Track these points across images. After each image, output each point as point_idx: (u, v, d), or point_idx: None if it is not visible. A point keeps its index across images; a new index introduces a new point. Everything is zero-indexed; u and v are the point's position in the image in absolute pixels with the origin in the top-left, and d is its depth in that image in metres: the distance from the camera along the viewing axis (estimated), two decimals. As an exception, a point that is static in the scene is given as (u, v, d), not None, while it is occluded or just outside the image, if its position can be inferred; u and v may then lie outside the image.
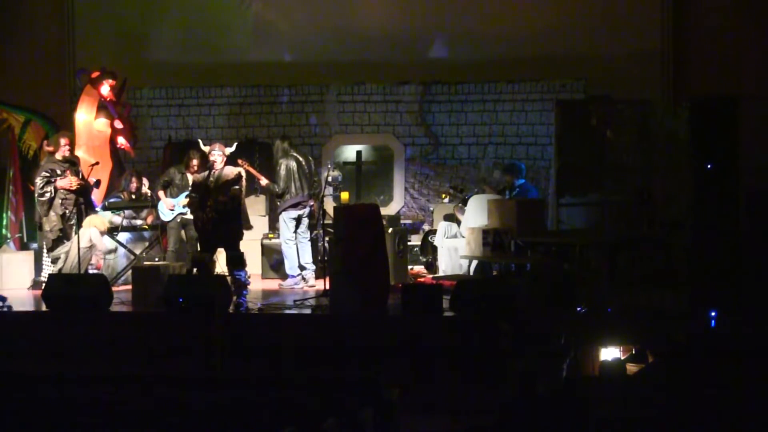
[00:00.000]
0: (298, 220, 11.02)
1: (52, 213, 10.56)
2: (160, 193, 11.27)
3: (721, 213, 9.45)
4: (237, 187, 9.60)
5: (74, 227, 10.50)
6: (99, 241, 10.87)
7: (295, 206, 10.97)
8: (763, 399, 6.84)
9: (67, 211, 10.57)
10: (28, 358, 8.84)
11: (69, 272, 10.19)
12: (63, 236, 10.59)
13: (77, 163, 10.91)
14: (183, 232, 11.25)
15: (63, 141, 10.67)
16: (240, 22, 14.02)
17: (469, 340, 8.40)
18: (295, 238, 11.03)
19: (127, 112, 12.81)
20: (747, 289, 9.11)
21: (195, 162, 11.03)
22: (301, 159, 11.16)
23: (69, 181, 10.51)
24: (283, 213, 11.00)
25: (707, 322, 8.67)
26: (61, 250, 10.51)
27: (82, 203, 10.71)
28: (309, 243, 11.15)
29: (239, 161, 10.67)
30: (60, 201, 10.54)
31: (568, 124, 11.11)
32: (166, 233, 11.32)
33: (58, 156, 10.66)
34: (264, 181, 11.19)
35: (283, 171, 10.94)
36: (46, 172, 10.61)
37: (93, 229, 10.74)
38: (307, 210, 11.06)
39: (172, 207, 11.15)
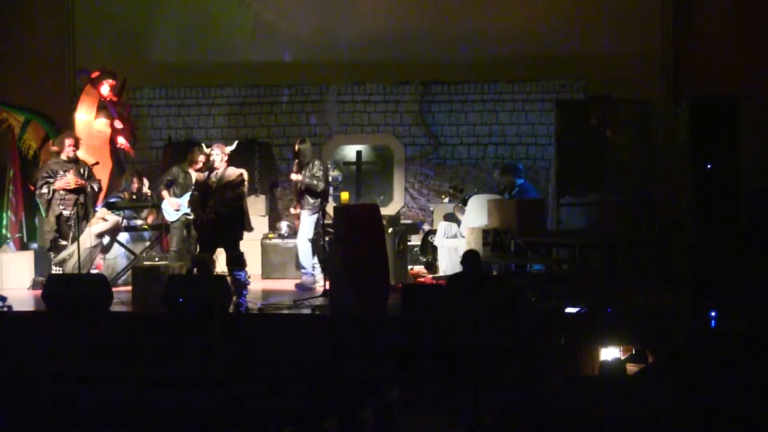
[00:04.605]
0: (318, 220, 11.01)
1: (50, 214, 10.54)
2: (164, 193, 11.19)
3: (721, 213, 9.44)
4: (239, 188, 9.60)
5: (75, 227, 10.44)
6: (93, 237, 10.76)
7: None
8: (763, 399, 6.84)
9: (65, 212, 10.52)
10: (28, 358, 8.84)
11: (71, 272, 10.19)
12: (60, 237, 10.56)
13: (84, 163, 10.78)
14: (185, 232, 11.21)
15: (68, 141, 10.62)
16: (240, 22, 14.00)
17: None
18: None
19: (127, 112, 12.78)
20: (747, 289, 9.10)
21: (200, 158, 10.88)
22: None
23: (67, 181, 10.48)
24: (313, 212, 10.93)
25: (707, 322, 8.67)
26: (64, 253, 10.49)
27: (84, 203, 10.64)
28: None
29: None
30: (58, 202, 10.52)
31: (568, 124, 11.10)
32: (168, 233, 11.29)
33: (63, 156, 10.62)
34: (296, 176, 10.92)
35: (322, 170, 10.86)
36: (46, 173, 10.59)
37: (88, 229, 10.67)
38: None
39: (178, 207, 11.07)
